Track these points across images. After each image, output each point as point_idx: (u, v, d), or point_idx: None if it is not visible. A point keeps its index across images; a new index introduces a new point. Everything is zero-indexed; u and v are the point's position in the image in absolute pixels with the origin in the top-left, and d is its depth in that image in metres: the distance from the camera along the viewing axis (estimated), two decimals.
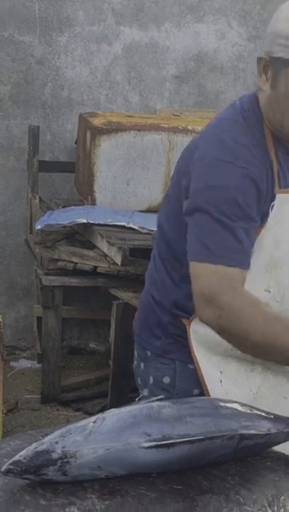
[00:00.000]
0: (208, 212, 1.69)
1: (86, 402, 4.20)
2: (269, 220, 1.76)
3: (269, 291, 1.82)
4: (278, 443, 1.50)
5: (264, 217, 1.75)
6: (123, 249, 3.66)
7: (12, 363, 4.67)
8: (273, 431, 1.45)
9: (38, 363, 4.47)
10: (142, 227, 3.88)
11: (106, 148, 4.16)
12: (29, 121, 4.78)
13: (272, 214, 1.76)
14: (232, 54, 5.17)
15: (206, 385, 1.84)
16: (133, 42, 4.97)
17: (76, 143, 4.73)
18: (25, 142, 4.73)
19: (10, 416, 3.96)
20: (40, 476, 1.33)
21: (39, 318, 4.45)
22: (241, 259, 1.71)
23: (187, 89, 5.06)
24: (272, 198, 1.75)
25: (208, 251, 1.69)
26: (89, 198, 4.33)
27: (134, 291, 3.79)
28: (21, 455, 1.33)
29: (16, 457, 1.33)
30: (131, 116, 4.50)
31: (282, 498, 1.35)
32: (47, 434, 1.56)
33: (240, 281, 1.71)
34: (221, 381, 1.86)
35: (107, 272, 3.93)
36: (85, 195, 4.47)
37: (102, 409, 4.00)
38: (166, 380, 1.91)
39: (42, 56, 4.83)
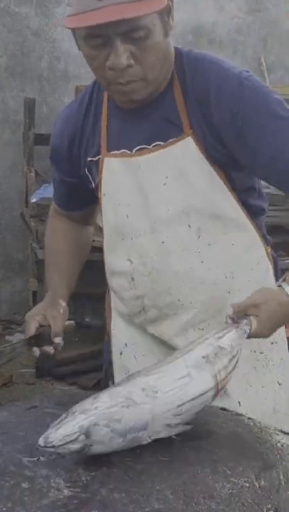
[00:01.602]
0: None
1: (81, 376, 4.20)
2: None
3: (131, 261, 1.85)
4: None
5: None
6: None
7: (7, 337, 4.66)
8: None
9: None
10: None
11: None
12: (25, 94, 4.75)
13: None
14: (231, 27, 5.12)
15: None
16: None
17: None
18: (21, 115, 4.70)
19: (4, 390, 3.97)
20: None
21: (35, 293, 4.44)
22: None
23: None
24: None
25: None
26: None
27: None
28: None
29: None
30: None
31: (269, 470, 1.34)
32: (34, 406, 1.56)
33: None
34: (121, 353, 1.99)
35: (102, 245, 3.91)
36: None
37: (97, 384, 4.00)
38: None
39: (38, 28, 4.78)
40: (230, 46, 5.15)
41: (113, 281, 1.95)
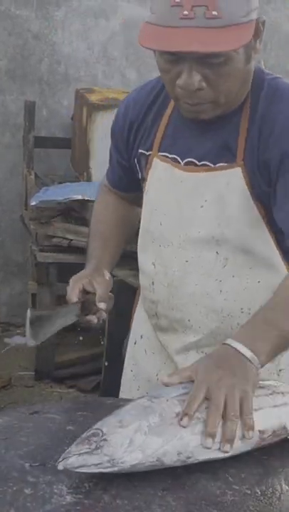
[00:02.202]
0: None
1: (80, 379, 4.20)
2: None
3: (154, 266, 1.84)
4: None
5: None
6: None
7: (6, 340, 4.66)
8: None
9: None
10: None
11: (102, 125, 4.12)
12: (25, 97, 4.74)
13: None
14: None
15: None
16: (131, 17, 4.91)
17: (72, 119, 4.69)
18: (21, 118, 4.69)
19: (3, 392, 3.97)
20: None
21: (34, 295, 4.44)
22: None
23: None
24: None
25: None
26: (85, 174, 4.30)
27: (129, 269, 3.77)
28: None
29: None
30: (128, 92, 4.44)
31: (271, 477, 1.35)
32: (36, 412, 1.56)
33: None
34: (135, 343, 1.99)
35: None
36: (80, 171, 4.45)
37: (96, 387, 4.01)
38: None
39: (38, 31, 4.78)
40: None
41: (140, 278, 1.93)
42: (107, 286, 1.80)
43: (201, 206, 1.72)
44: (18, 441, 1.43)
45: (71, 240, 4.02)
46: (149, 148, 1.81)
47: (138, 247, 1.92)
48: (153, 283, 1.85)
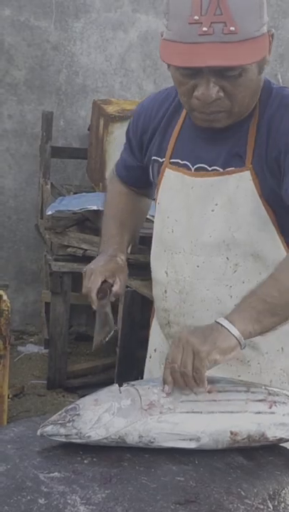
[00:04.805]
0: None
1: (92, 388, 4.19)
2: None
3: (167, 274, 1.86)
4: None
5: None
6: None
7: (19, 348, 4.68)
8: None
9: (45, 348, 4.48)
10: (153, 216, 3.86)
11: (119, 136, 4.14)
12: (43, 107, 4.78)
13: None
14: None
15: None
16: (149, 29, 4.94)
17: (89, 130, 4.72)
18: (39, 128, 4.73)
19: (16, 401, 3.98)
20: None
21: (47, 304, 4.46)
22: None
23: None
24: None
25: None
26: (100, 184, 4.32)
27: (142, 280, 3.79)
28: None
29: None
30: None
31: (284, 492, 1.35)
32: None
33: None
34: (150, 356, 2.03)
35: None
36: (96, 181, 4.47)
37: None
38: None
39: (57, 42, 4.81)
40: None
41: (153, 288, 1.96)
42: (125, 282, 1.87)
43: (212, 210, 1.75)
44: (32, 451, 1.44)
45: (86, 249, 4.04)
46: (162, 156, 1.84)
47: (151, 256, 1.94)
48: (166, 291, 1.88)
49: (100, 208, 3.93)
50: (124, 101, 4.64)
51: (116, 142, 4.15)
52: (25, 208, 4.94)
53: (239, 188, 1.72)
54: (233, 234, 1.74)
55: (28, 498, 1.28)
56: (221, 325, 1.53)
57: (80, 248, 4.05)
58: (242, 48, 1.55)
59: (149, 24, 4.94)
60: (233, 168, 1.72)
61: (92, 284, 1.81)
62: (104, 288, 1.82)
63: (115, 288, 1.82)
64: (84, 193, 4.42)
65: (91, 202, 4.05)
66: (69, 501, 1.27)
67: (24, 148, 4.88)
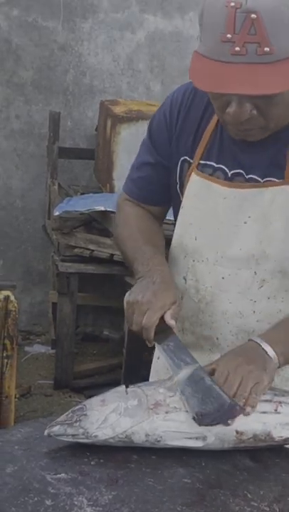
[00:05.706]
0: None
1: (98, 389, 4.20)
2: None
3: (185, 281, 1.79)
4: None
5: None
6: None
7: (26, 348, 4.69)
8: None
9: (52, 348, 4.49)
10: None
11: (126, 137, 4.15)
12: (50, 107, 4.79)
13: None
14: None
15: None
16: (156, 30, 4.95)
17: (96, 130, 4.73)
18: (46, 128, 4.74)
19: (22, 401, 3.99)
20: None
21: (54, 304, 4.47)
22: None
23: None
24: None
25: None
26: (107, 185, 4.33)
27: None
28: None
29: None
30: (152, 104, 4.48)
31: None
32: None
33: None
34: (158, 358, 1.96)
35: (123, 260, 3.93)
36: (103, 182, 4.47)
37: None
38: None
39: (65, 42, 4.82)
40: None
41: None
42: (180, 302, 1.72)
43: (245, 222, 1.69)
44: (40, 453, 1.44)
45: (93, 250, 4.04)
46: (192, 156, 1.75)
47: (169, 260, 1.85)
48: (182, 297, 1.80)
49: (108, 209, 3.95)
50: (131, 101, 4.64)
51: (123, 143, 4.15)
52: (32, 209, 4.95)
53: (275, 202, 1.66)
54: (264, 248, 1.68)
55: (35, 499, 1.28)
56: (268, 355, 1.54)
57: (87, 249, 4.06)
58: (276, 71, 1.46)
59: (157, 25, 4.94)
60: (271, 181, 1.66)
61: (147, 320, 1.59)
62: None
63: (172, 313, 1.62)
64: (91, 194, 4.43)
65: (98, 203, 4.05)
66: (76, 503, 1.27)
67: (31, 148, 4.89)
